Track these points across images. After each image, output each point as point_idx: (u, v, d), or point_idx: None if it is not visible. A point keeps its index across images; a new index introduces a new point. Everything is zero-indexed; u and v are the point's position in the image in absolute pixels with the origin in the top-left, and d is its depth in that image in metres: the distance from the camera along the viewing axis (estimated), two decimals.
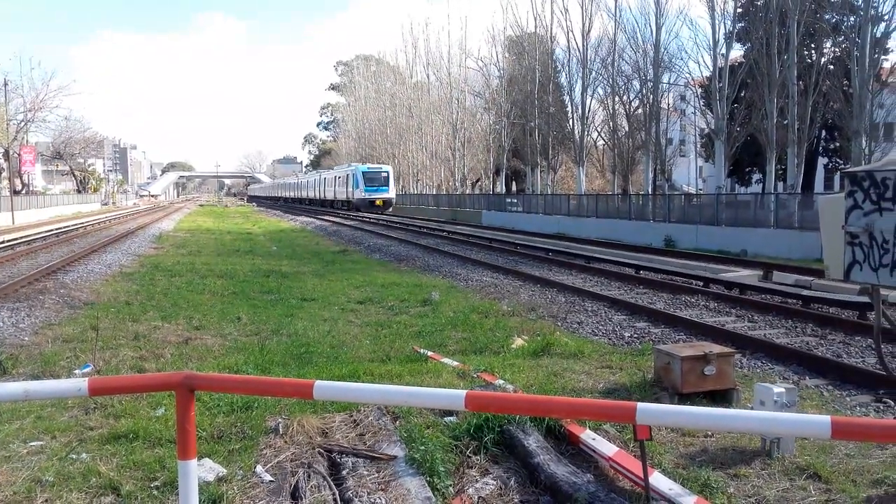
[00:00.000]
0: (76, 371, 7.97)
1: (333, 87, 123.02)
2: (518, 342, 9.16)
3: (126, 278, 16.73)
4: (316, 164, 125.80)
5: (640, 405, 2.57)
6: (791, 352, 8.96)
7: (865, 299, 10.46)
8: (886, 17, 26.46)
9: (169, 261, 21.08)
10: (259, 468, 5.07)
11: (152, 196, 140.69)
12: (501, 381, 6.79)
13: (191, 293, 14.25)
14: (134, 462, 5.21)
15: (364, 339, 9.95)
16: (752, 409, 5.74)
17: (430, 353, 8.47)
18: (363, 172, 57.22)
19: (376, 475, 4.89)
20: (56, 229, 34.35)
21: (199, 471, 4.86)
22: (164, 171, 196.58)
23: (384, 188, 56.73)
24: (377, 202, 55.95)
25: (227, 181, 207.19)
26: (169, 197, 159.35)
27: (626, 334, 10.38)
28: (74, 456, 5.36)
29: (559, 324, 11.04)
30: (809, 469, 5.08)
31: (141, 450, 5.46)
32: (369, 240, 29.08)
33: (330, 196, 67.68)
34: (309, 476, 4.87)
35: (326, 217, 51.10)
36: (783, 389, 5.35)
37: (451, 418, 5.79)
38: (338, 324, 11.06)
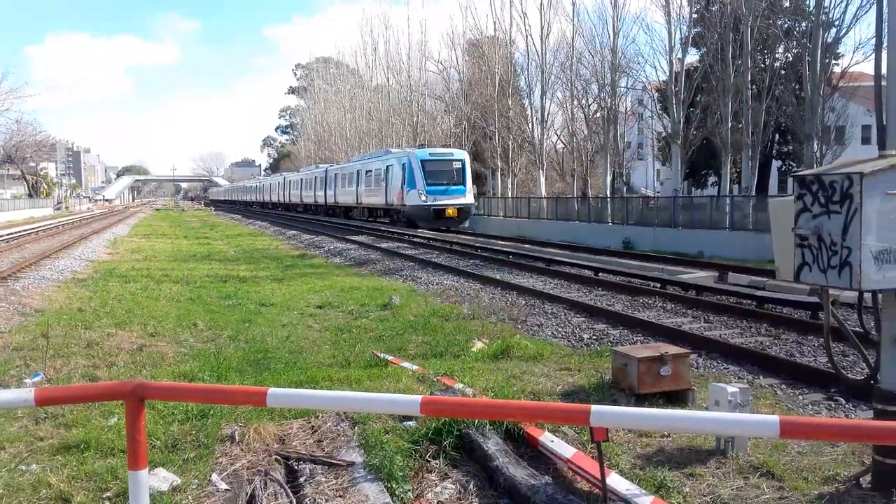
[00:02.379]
0: (26, 380, 7.76)
1: (293, 91, 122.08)
2: (478, 345, 9.17)
3: (79, 284, 16.35)
4: (275, 167, 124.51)
5: (594, 408, 2.58)
6: (746, 352, 9.13)
7: (817, 299, 10.72)
8: (837, 23, 27.19)
9: (123, 266, 20.67)
10: (214, 476, 4.98)
11: (107, 200, 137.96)
12: (461, 385, 6.78)
13: (146, 299, 13.99)
14: (85, 473, 5.09)
15: (323, 344, 9.87)
16: (707, 408, 5.82)
17: (390, 358, 8.43)
18: (423, 161, 33.78)
19: (334, 482, 4.84)
20: (7, 234, 33.45)
21: (153, 480, 4.76)
22: (119, 175, 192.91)
23: (459, 188, 34.11)
24: (448, 212, 33.30)
25: (184, 185, 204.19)
26: (124, 201, 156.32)
27: (586, 336, 10.47)
28: (24, 467, 5.21)
29: (519, 326, 11.08)
30: (763, 467, 5.16)
31: (93, 460, 5.34)
32: (329, 244, 28.88)
33: (344, 200, 47.01)
34: (266, 484, 4.80)
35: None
36: (737, 389, 5.44)
37: (411, 423, 5.77)
38: (297, 329, 10.96)
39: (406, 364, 8.05)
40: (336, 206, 50.20)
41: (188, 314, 12.26)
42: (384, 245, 26.59)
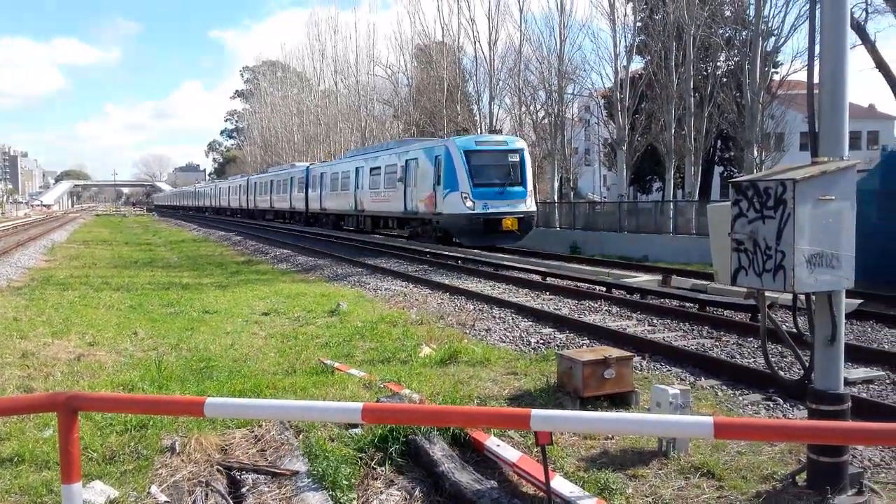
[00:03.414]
0: None
1: (239, 94, 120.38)
2: (426, 351, 9.15)
3: (14, 293, 15.79)
4: (220, 171, 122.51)
5: (534, 412, 2.59)
6: (688, 354, 9.31)
7: (754, 302, 10.99)
8: (776, 33, 28.06)
9: (61, 274, 20.05)
10: (154, 489, 4.86)
11: (45, 206, 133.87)
12: (408, 391, 6.75)
13: (84, 308, 13.58)
14: (19, 486, 4.93)
15: (268, 351, 9.73)
16: (649, 410, 5.92)
17: (336, 365, 8.35)
18: (469, 152, 24.50)
19: (277, 491, 4.76)
20: None
21: (89, 494, 4.63)
22: (57, 180, 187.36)
23: (518, 189, 24.92)
24: (505, 224, 24.29)
25: (126, 190, 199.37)
26: (63, 207, 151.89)
27: (533, 340, 10.54)
28: None
29: (467, 331, 11.10)
30: (703, 467, 5.26)
31: (27, 473, 5.17)
32: (275, 250, 28.53)
33: (335, 207, 37.69)
34: (206, 495, 4.70)
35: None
36: (678, 391, 5.54)
37: (356, 430, 5.72)
38: (241, 336, 10.77)
39: (353, 371, 7.98)
40: (322, 214, 40.63)
41: (128, 322, 11.95)
42: (333, 251, 26.29)
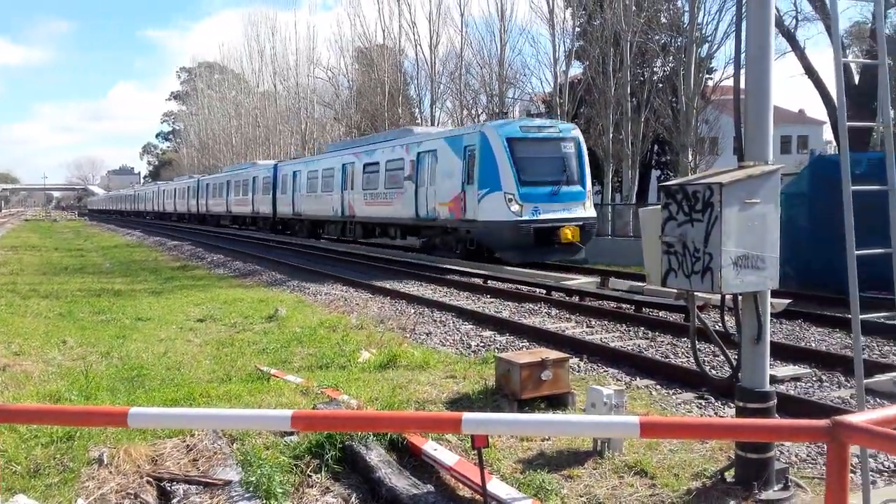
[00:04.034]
0: None
1: (175, 96, 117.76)
2: (365, 355, 9.09)
3: None
4: (155, 174, 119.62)
5: (466, 415, 2.59)
6: (624, 354, 9.49)
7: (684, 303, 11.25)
8: (710, 39, 28.89)
9: None
10: (80, 502, 4.70)
11: None
12: (346, 397, 6.69)
13: (10, 316, 13.07)
14: None
15: (203, 359, 9.53)
16: (584, 410, 5.99)
17: (273, 371, 8.22)
18: (513, 140, 19.22)
19: (209, 501, 4.66)
20: None
21: None
22: None
23: (576, 190, 19.88)
24: (564, 234, 18.98)
25: (57, 194, 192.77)
26: None
27: (473, 343, 10.58)
28: None
29: (408, 335, 11.07)
30: (637, 466, 5.35)
31: None
32: (212, 255, 27.98)
33: (312, 211, 32.41)
34: None
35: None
36: (612, 391, 5.63)
37: (292, 437, 5.63)
38: (175, 344, 10.52)
39: (290, 377, 7.87)
40: (295, 220, 34.67)
41: (57, 331, 11.54)
42: (272, 256, 25.88)
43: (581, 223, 18.91)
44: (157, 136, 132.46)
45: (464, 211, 20.03)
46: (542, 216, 18.96)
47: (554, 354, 6.80)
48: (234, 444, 5.70)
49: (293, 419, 2.70)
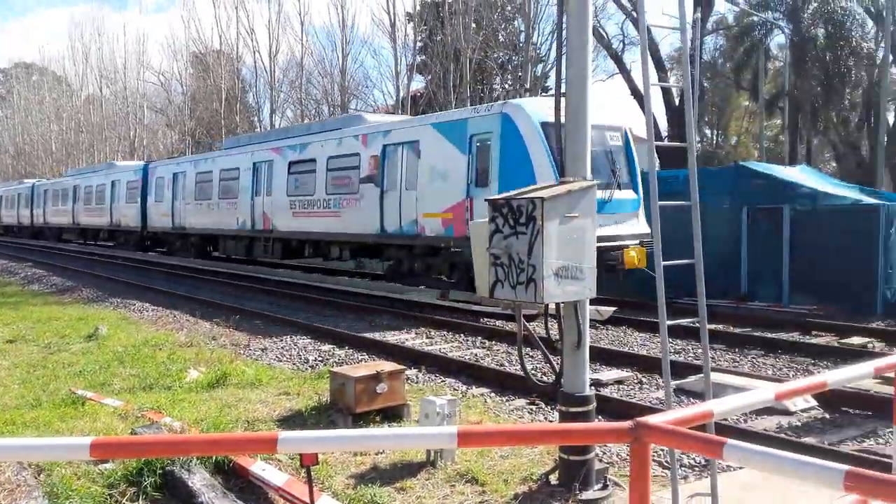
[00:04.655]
0: None
1: None
2: (193, 374, 8.66)
3: None
4: None
5: (282, 434, 2.50)
6: (461, 364, 9.68)
7: (529, 312, 11.60)
8: (544, 58, 30.30)
9: None
10: None
11: None
12: (168, 419, 6.32)
13: None
14: None
15: (11, 383, 8.72)
16: (418, 422, 6.02)
17: (89, 395, 7.63)
18: (547, 126, 12.76)
19: None
20: None
21: None
22: None
23: (630, 198, 14.24)
24: (628, 258, 12.90)
25: None
26: None
27: (311, 358, 10.38)
28: None
29: (241, 352, 10.68)
30: (468, 474, 5.43)
31: None
32: (26, 269, 25.72)
33: (203, 223, 24.87)
34: None
35: None
36: (444, 401, 5.69)
37: (108, 465, 5.23)
38: None
39: (108, 400, 7.34)
40: (177, 234, 27.15)
41: None
42: (96, 270, 24.10)
43: (641, 240, 13.61)
44: None
45: (468, 224, 13.65)
46: (610, 232, 13.23)
47: (389, 367, 6.79)
48: (42, 475, 5.23)
49: (93, 447, 2.49)
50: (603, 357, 9.93)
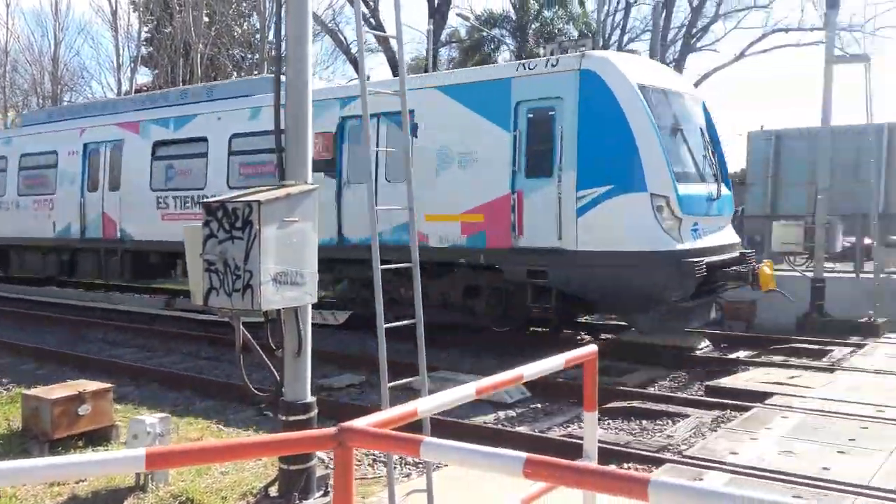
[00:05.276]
0: None
1: None
2: None
3: None
4: None
5: None
6: (185, 378, 9.19)
7: (258, 318, 11.29)
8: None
9: None
10: None
11: None
12: None
13: None
14: None
15: None
16: (126, 443, 5.54)
17: None
18: (647, 91, 9.80)
19: None
20: None
21: None
22: None
23: (727, 196, 10.95)
24: (763, 278, 9.79)
25: None
26: None
27: (6, 380, 9.16)
28: None
29: None
30: (184, 495, 5.11)
31: None
32: None
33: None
34: None
35: None
36: (156, 420, 5.31)
37: None
38: None
39: None
40: None
41: None
42: None
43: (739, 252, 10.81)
44: None
45: (518, 230, 10.16)
46: (703, 242, 10.01)
47: (93, 386, 6.18)
48: None
49: None
50: (337, 361, 9.98)
